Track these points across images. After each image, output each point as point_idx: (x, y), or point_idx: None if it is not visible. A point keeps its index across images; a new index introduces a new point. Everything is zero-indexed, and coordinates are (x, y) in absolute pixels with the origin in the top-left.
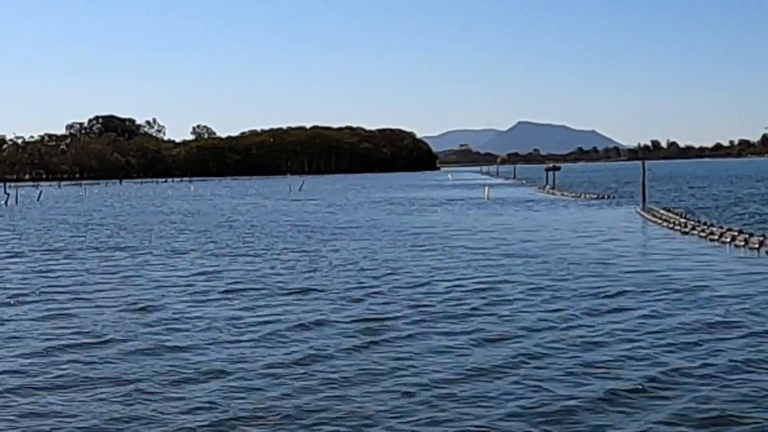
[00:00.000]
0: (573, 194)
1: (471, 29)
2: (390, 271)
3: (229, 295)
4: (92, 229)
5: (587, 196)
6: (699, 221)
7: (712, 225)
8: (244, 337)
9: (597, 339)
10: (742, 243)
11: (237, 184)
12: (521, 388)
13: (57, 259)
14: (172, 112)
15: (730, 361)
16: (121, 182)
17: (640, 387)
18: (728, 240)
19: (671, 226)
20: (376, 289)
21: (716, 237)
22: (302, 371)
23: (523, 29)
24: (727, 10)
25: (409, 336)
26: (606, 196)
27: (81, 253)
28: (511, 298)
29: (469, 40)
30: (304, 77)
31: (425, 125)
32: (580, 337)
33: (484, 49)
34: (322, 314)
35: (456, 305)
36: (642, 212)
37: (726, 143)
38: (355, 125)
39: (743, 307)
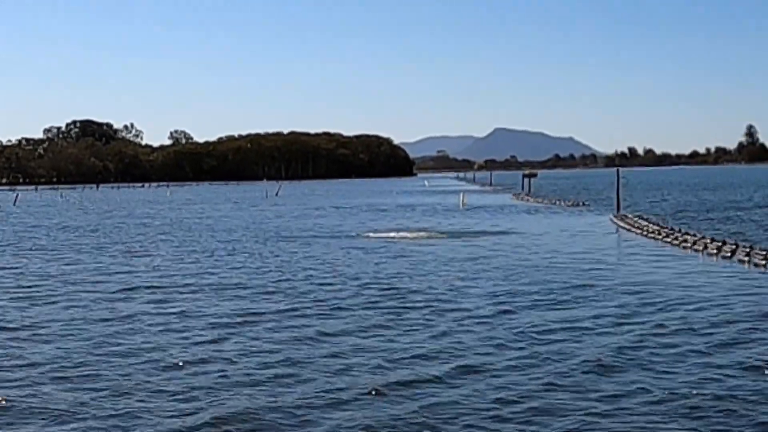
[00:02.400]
0: (548, 201)
1: (448, 36)
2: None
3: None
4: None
5: (562, 203)
6: (672, 229)
7: (686, 233)
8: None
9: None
10: (715, 251)
11: (213, 189)
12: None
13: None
14: (150, 116)
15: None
16: (98, 187)
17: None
18: (701, 248)
19: (644, 233)
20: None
21: (689, 245)
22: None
23: (500, 36)
24: (704, 18)
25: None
26: (581, 203)
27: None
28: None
29: (447, 46)
30: (281, 83)
31: (402, 132)
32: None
33: (462, 55)
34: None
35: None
36: (615, 219)
37: (702, 150)
38: (332, 131)
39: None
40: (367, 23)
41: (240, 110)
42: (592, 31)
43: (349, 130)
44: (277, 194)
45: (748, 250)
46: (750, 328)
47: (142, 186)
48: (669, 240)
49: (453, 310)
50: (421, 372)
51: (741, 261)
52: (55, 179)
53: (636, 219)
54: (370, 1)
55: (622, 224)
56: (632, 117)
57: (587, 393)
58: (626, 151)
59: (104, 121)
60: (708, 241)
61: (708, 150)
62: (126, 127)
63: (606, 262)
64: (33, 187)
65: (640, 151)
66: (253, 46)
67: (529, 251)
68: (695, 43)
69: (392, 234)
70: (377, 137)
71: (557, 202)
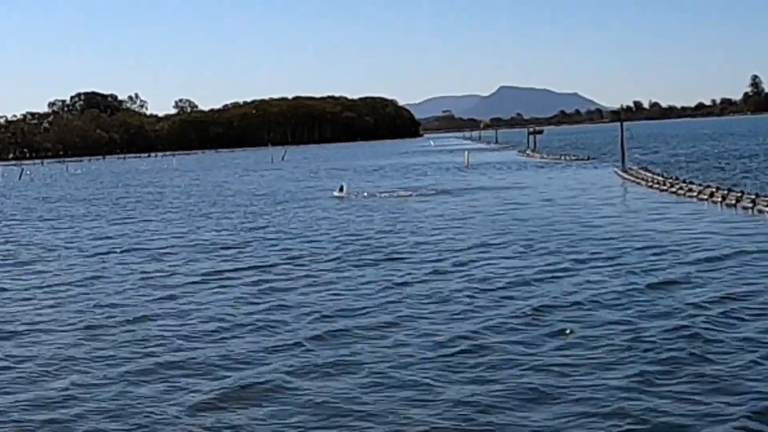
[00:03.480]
0: (553, 156)
1: None
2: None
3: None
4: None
5: (567, 157)
6: (676, 179)
7: (691, 182)
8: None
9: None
10: (720, 199)
11: (219, 156)
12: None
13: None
14: (155, 86)
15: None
16: (104, 158)
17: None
18: (706, 197)
19: (649, 184)
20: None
21: (695, 194)
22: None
23: None
24: None
25: None
26: (586, 158)
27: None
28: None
29: (450, 5)
30: (285, 47)
31: (407, 93)
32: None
33: (465, 14)
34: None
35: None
36: (620, 172)
37: (708, 102)
38: (337, 94)
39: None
40: None
41: (245, 77)
42: None
43: (354, 93)
44: (282, 159)
45: (753, 197)
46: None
47: (149, 156)
48: (674, 190)
49: (412, 262)
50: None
51: (745, 208)
52: (61, 152)
53: (640, 171)
54: None
55: (626, 176)
56: (637, 71)
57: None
58: (632, 105)
59: (108, 92)
60: (713, 189)
61: (713, 101)
62: (130, 97)
63: (610, 213)
64: (39, 161)
65: (646, 105)
66: (257, 11)
67: (526, 204)
68: None
69: (385, 194)
70: (382, 99)
71: (562, 158)
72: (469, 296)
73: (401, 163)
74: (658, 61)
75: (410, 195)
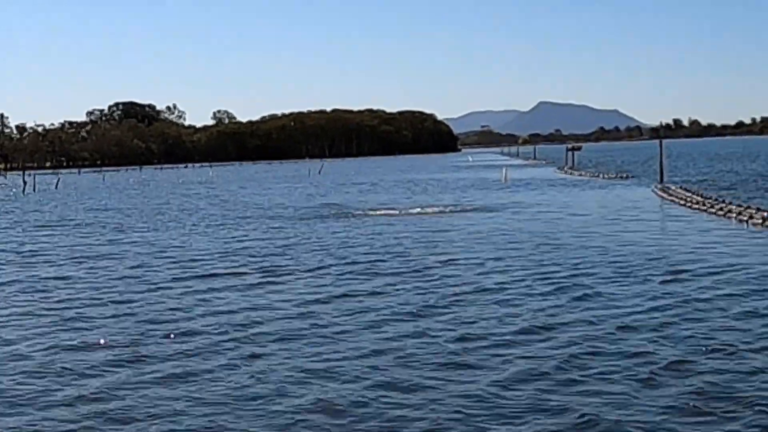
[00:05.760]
0: (591, 174)
1: (491, 9)
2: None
3: None
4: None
5: (606, 176)
6: (716, 199)
7: (730, 203)
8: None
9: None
10: (760, 221)
11: (256, 168)
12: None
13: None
14: (193, 97)
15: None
16: (141, 169)
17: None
18: (746, 218)
19: (688, 204)
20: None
21: (734, 215)
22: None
23: (543, 9)
24: None
25: None
26: (624, 176)
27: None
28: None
29: (490, 20)
30: (325, 60)
31: (446, 107)
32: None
33: (505, 29)
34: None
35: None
36: (659, 191)
37: (748, 120)
38: (375, 108)
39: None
40: None
41: (283, 89)
42: (636, 1)
43: (392, 107)
44: (319, 173)
45: None
46: None
47: (185, 167)
48: (714, 211)
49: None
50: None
51: None
52: (98, 162)
53: (679, 190)
54: None
55: (665, 195)
56: (678, 88)
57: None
58: (671, 122)
59: (147, 102)
60: (753, 211)
61: (753, 120)
62: (168, 108)
63: (649, 233)
64: (76, 170)
65: (686, 123)
66: (296, 24)
67: (553, 223)
68: (739, 12)
69: (416, 209)
70: (421, 113)
71: (600, 175)
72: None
73: (439, 178)
74: (699, 79)
75: (449, 211)
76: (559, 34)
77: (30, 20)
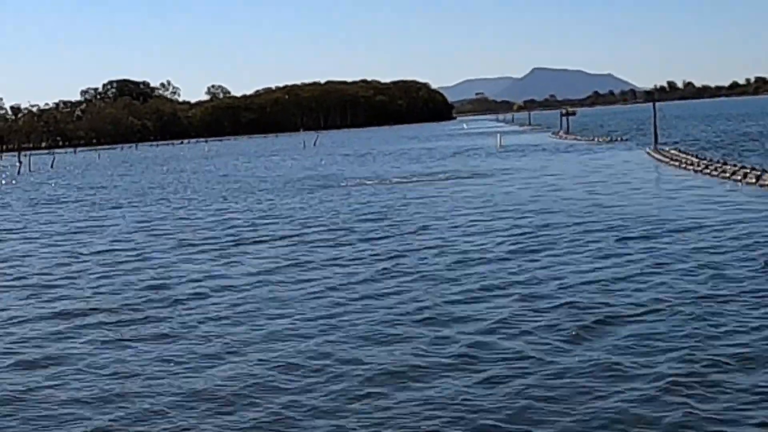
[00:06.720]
0: (586, 138)
1: None
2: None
3: None
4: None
5: (600, 139)
6: (710, 160)
7: (725, 163)
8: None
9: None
10: (753, 180)
11: (251, 142)
12: None
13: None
14: (187, 73)
15: None
16: (137, 146)
17: None
18: (740, 178)
19: (682, 165)
20: None
21: (728, 175)
22: None
23: None
24: None
25: None
26: (618, 139)
27: None
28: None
29: None
30: (317, 32)
31: (440, 76)
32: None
33: None
34: None
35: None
36: (652, 153)
37: (742, 81)
38: (369, 78)
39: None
40: None
41: (276, 62)
42: None
43: (386, 77)
44: (314, 144)
45: None
46: None
47: (181, 143)
48: (708, 171)
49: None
50: None
51: None
52: (94, 140)
53: (673, 152)
54: None
55: (659, 157)
56: (671, 51)
57: None
58: (665, 85)
59: (141, 79)
60: (747, 170)
61: (748, 80)
62: (163, 84)
63: (645, 194)
64: (72, 149)
65: (680, 85)
66: None
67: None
68: None
69: (406, 177)
70: (415, 82)
71: (594, 139)
72: None
73: (432, 146)
74: (692, 41)
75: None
76: None
77: (19, 2)
